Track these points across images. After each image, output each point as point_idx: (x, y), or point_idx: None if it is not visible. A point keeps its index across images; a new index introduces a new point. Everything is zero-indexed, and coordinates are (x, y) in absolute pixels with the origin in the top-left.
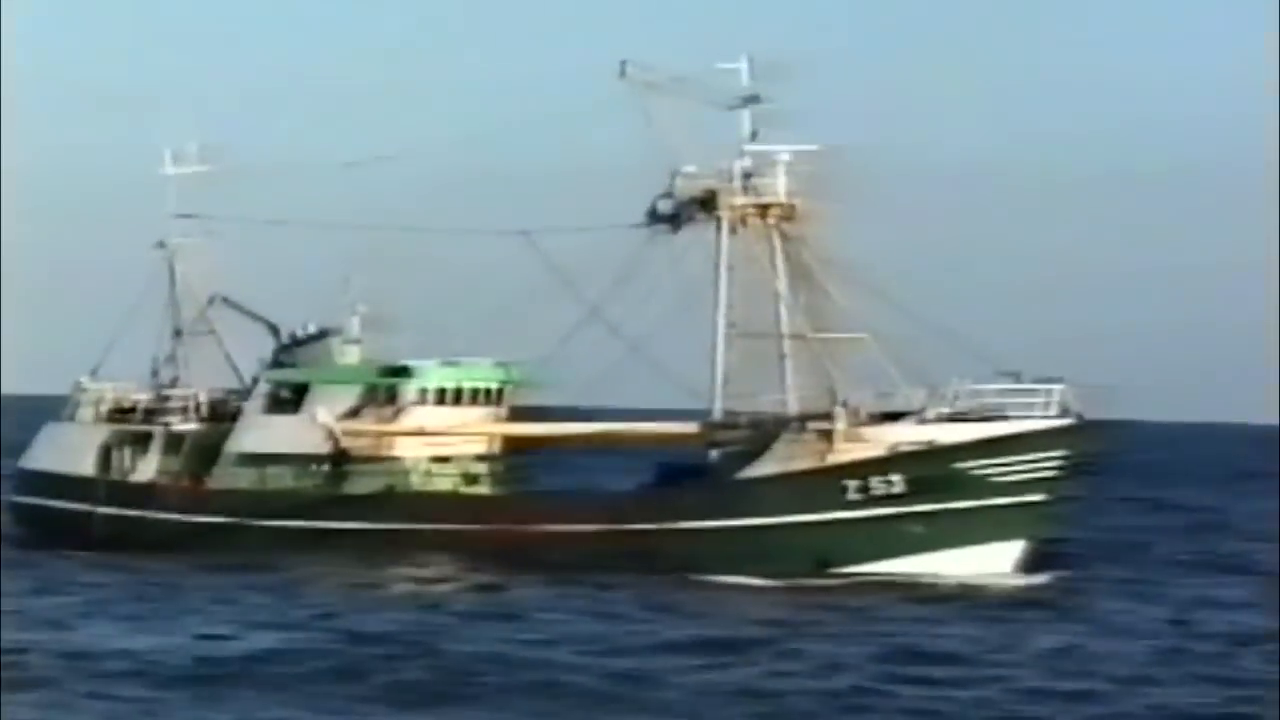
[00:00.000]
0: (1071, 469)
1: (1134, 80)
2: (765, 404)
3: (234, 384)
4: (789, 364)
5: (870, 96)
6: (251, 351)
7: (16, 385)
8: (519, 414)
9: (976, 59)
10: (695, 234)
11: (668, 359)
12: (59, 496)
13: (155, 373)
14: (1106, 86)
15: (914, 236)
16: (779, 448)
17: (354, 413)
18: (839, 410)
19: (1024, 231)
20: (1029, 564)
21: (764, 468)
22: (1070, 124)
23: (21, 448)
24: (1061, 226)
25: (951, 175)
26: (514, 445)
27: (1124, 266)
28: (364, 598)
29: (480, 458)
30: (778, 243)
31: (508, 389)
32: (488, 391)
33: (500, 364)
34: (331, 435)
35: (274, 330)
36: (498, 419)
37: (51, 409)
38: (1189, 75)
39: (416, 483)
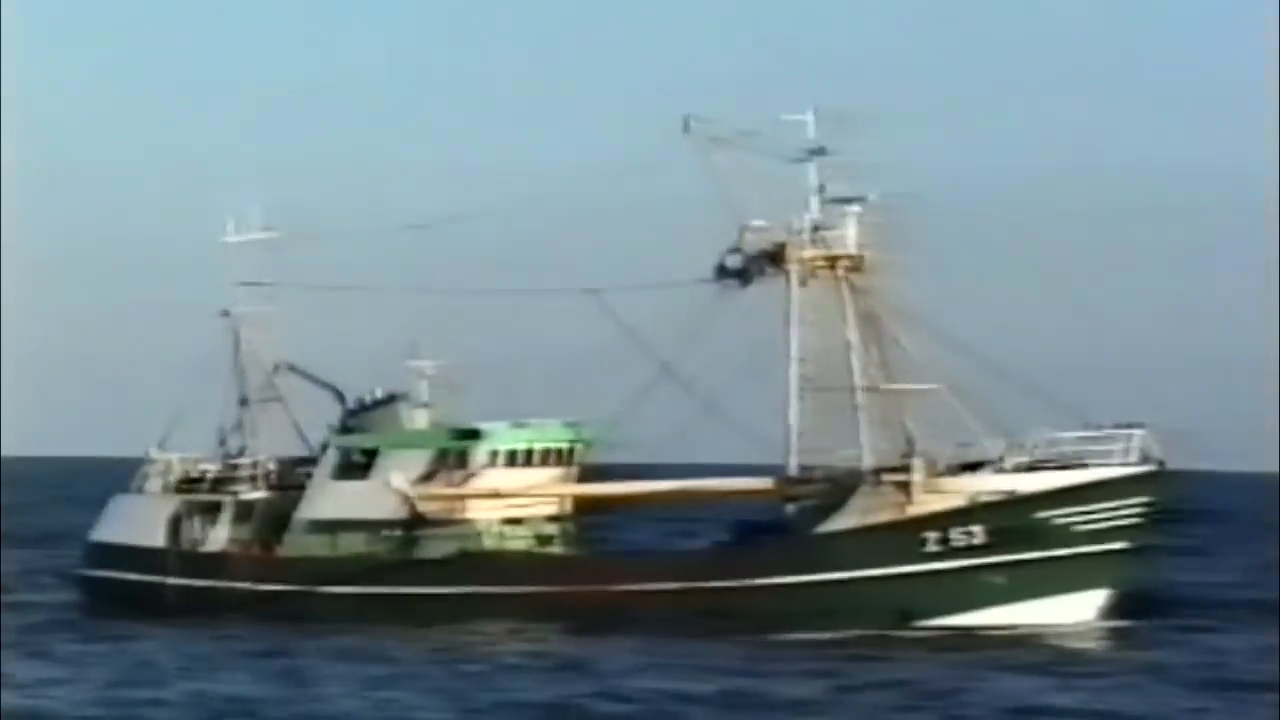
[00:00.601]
0: (1153, 516)
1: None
2: (839, 457)
3: (301, 451)
4: (862, 416)
5: (936, 146)
6: (318, 418)
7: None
8: (589, 473)
9: (1045, 100)
10: (764, 288)
11: (738, 414)
12: (129, 569)
13: (223, 441)
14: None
15: (986, 284)
16: (857, 501)
17: (427, 477)
18: (917, 462)
19: (1102, 272)
20: (1111, 613)
21: (842, 521)
22: (1145, 154)
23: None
24: (1143, 264)
25: (1022, 222)
26: (587, 505)
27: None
28: (450, 655)
29: (552, 518)
30: (848, 295)
31: (578, 449)
32: (558, 452)
33: (570, 424)
34: (407, 500)
35: (340, 396)
36: (568, 479)
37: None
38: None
39: (490, 545)
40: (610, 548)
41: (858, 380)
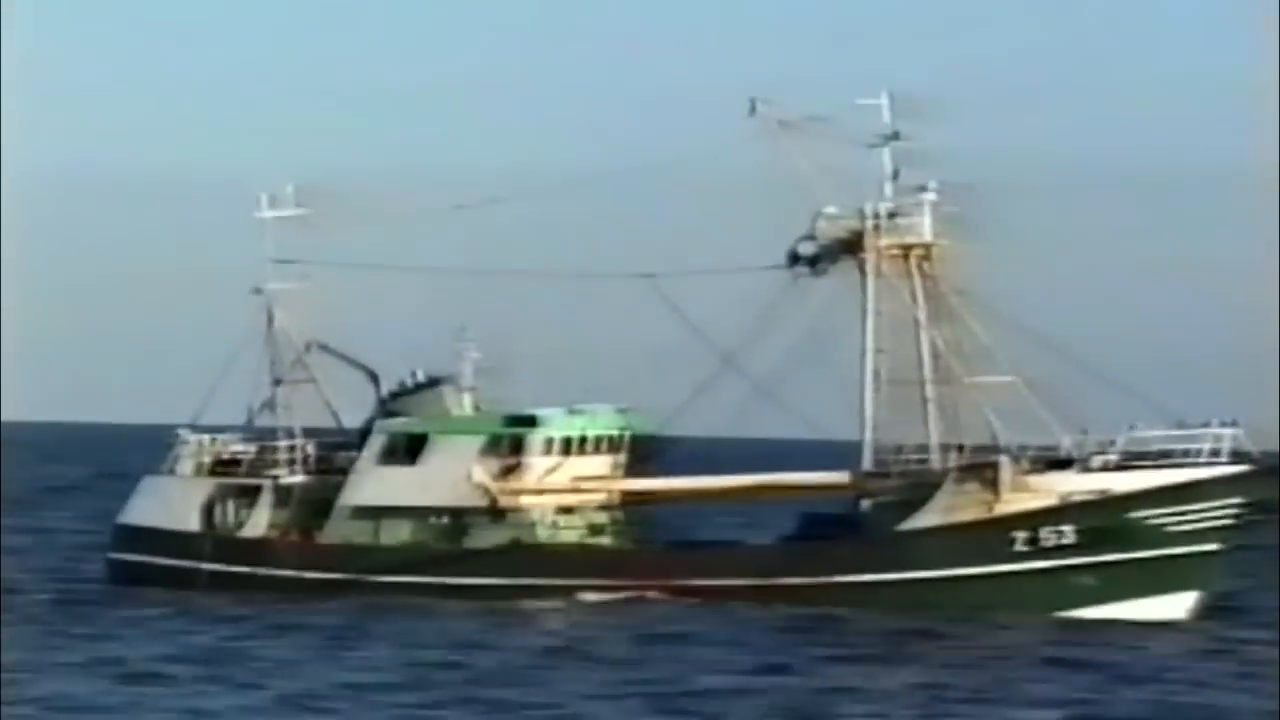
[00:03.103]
0: (1248, 516)
1: None
2: (906, 451)
3: (334, 433)
4: (933, 410)
5: (1015, 130)
6: (351, 400)
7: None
8: (641, 457)
9: (1125, 86)
10: (834, 276)
11: (800, 405)
12: (161, 553)
13: (250, 422)
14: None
15: (1062, 273)
16: (941, 498)
17: (485, 464)
18: (1004, 459)
19: (1181, 266)
20: (1201, 616)
21: (927, 519)
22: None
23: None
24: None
25: (1101, 210)
26: (646, 496)
27: None
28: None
29: (603, 507)
30: (919, 284)
31: (629, 436)
32: (611, 439)
33: (622, 410)
34: (486, 490)
35: (374, 378)
36: (619, 466)
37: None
38: None
39: (543, 535)
40: (669, 539)
41: (928, 373)
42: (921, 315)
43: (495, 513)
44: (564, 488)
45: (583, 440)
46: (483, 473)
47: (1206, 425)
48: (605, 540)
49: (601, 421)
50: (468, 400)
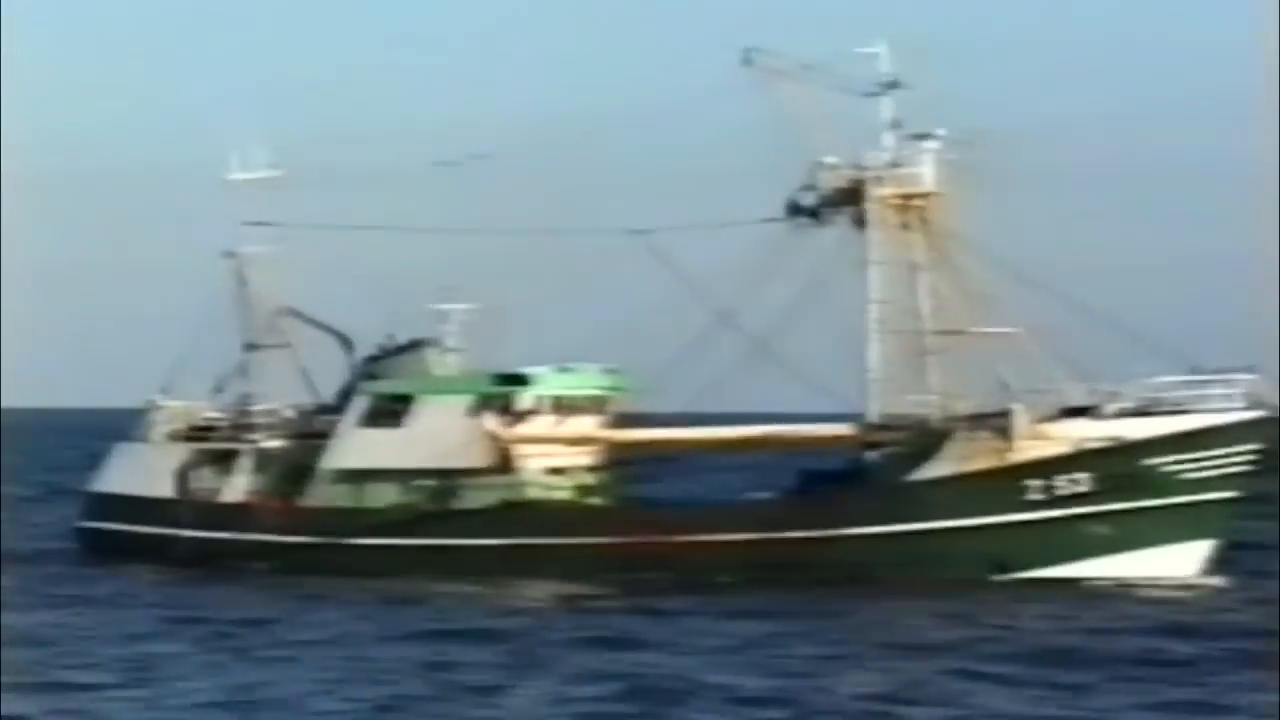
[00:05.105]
0: (1264, 464)
1: None
2: (908, 403)
3: (307, 398)
4: (933, 361)
5: (1012, 84)
6: (323, 365)
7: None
8: (625, 421)
9: (1125, 41)
10: (830, 229)
11: (793, 362)
12: (136, 521)
13: (219, 389)
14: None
15: (1061, 226)
16: (953, 448)
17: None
18: (1018, 407)
19: (1173, 221)
20: (1213, 565)
21: (938, 469)
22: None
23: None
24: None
25: (1093, 165)
26: (629, 454)
27: None
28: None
29: (591, 468)
30: (921, 235)
31: (615, 395)
32: (599, 400)
33: (608, 370)
34: (495, 439)
35: (346, 342)
36: (605, 426)
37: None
38: None
39: (534, 495)
40: (648, 498)
41: (929, 324)
42: (923, 267)
43: (484, 473)
44: (568, 437)
45: (572, 400)
46: (494, 421)
47: (1222, 372)
48: (596, 500)
49: (590, 381)
50: (452, 361)
